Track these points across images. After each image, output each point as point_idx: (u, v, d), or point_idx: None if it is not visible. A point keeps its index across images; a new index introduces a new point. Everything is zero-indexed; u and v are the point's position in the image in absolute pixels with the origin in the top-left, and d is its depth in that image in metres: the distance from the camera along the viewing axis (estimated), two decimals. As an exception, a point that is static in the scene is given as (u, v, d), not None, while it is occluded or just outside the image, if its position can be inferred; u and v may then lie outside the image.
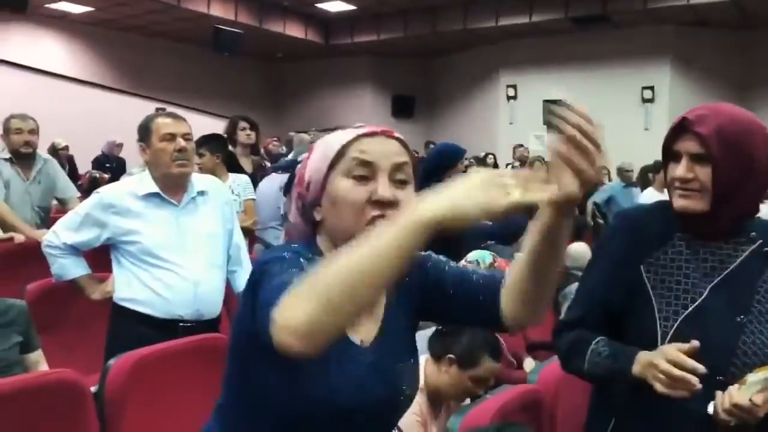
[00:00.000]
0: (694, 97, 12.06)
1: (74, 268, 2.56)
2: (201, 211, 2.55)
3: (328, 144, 1.13)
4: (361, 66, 15.09)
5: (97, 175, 7.94)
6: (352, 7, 12.97)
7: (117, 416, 2.01)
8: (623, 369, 1.40)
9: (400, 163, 1.11)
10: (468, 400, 2.27)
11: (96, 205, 2.46)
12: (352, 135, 1.12)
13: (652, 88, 12.00)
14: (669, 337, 1.41)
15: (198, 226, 2.52)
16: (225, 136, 4.76)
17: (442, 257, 1.26)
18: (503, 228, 5.56)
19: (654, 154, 10.32)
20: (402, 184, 1.11)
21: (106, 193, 2.49)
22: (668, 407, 1.38)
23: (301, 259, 1.06)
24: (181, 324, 2.44)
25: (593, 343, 1.47)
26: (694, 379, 1.28)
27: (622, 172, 7.94)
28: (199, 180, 2.60)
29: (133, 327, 2.41)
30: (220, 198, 2.66)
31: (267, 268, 1.03)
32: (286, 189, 1.12)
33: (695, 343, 1.32)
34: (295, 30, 13.66)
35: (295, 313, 0.86)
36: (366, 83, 15.23)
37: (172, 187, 2.49)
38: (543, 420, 2.03)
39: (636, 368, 1.38)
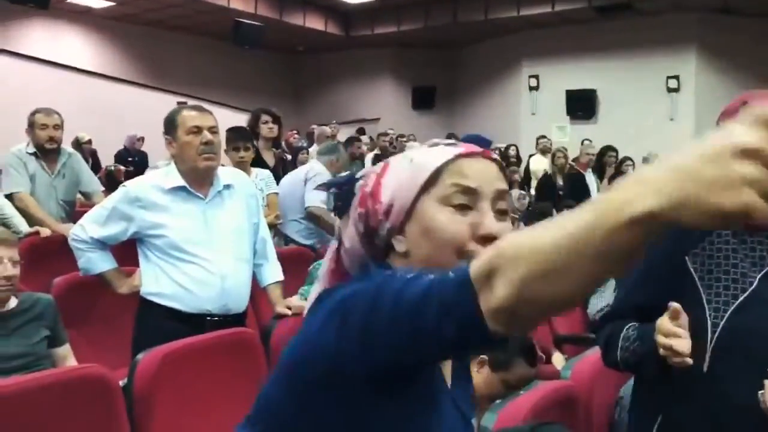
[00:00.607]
0: (721, 86, 11.86)
1: (101, 262, 2.55)
2: (227, 205, 2.54)
3: (418, 163, 0.97)
4: (381, 58, 15.03)
5: (113, 168, 7.95)
6: (372, -1, 12.93)
7: (146, 411, 2.00)
8: (650, 349, 1.38)
9: (503, 191, 0.98)
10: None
11: (122, 199, 2.45)
12: (448, 155, 0.96)
13: (677, 77, 11.81)
14: (720, 327, 1.39)
15: (224, 220, 2.50)
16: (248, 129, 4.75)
17: None
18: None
19: (680, 144, 10.10)
20: (503, 214, 0.97)
21: (132, 186, 2.48)
22: (719, 402, 1.35)
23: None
24: (208, 318, 2.42)
25: (624, 330, 1.46)
26: (680, 346, 1.29)
27: (648, 163, 7.84)
28: (225, 173, 2.58)
29: (160, 321, 2.40)
30: (246, 191, 2.64)
31: (364, 289, 0.85)
32: (340, 208, 0.94)
33: (674, 305, 1.33)
34: (315, 22, 13.63)
35: (495, 290, 0.70)
36: (386, 75, 15.17)
37: (198, 180, 2.47)
38: (578, 416, 1.99)
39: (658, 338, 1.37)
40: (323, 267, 1.09)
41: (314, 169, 4.63)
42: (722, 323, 1.39)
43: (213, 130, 2.48)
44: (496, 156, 1.00)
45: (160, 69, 13.29)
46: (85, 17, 12.72)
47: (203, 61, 13.93)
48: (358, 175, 1.05)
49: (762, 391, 1.31)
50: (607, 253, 0.65)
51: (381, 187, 0.98)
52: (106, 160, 9.28)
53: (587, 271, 0.67)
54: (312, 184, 4.46)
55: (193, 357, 2.14)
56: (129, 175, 7.59)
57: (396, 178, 0.97)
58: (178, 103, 12.99)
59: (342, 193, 1.06)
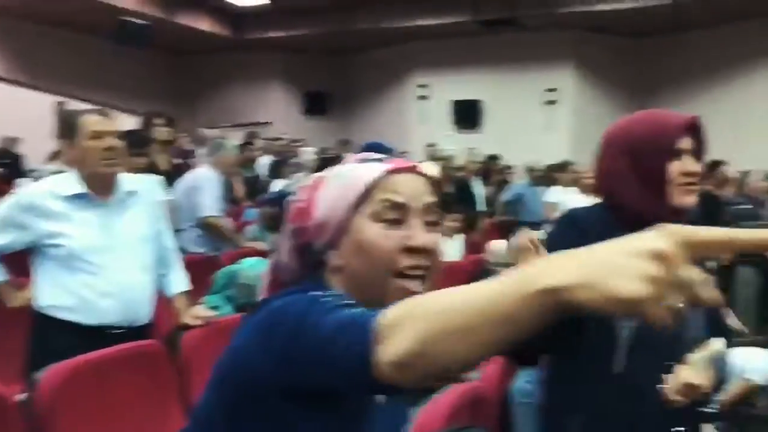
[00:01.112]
0: (595, 100, 12.66)
1: (-9, 274, 2.40)
2: (130, 212, 2.45)
3: (349, 180, 0.99)
4: (273, 62, 14.88)
5: None
6: (265, 2, 12.77)
7: (49, 429, 1.90)
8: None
9: (431, 204, 1.01)
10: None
11: (14, 207, 2.31)
12: (378, 171, 0.99)
13: (555, 90, 12.48)
14: (627, 332, 1.48)
15: (127, 228, 2.41)
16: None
17: None
18: None
19: (557, 153, 10.75)
20: (433, 225, 1.00)
21: (25, 194, 2.35)
22: (633, 399, 1.45)
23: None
24: (110, 330, 2.33)
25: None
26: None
27: (529, 172, 8.24)
28: (127, 179, 2.49)
29: (58, 335, 2.28)
30: (149, 198, 2.56)
31: (291, 308, 0.88)
32: (271, 224, 0.94)
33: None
34: (205, 23, 13.31)
35: (395, 342, 0.73)
36: (278, 79, 15.04)
37: (99, 187, 2.37)
38: (489, 414, 2.07)
39: None
40: (265, 279, 1.10)
41: (204, 176, 4.52)
42: (630, 324, 1.48)
43: (115, 135, 2.39)
44: (425, 171, 1.03)
45: (37, 67, 12.49)
46: (-51, 7, 11.79)
47: (85, 59, 13.23)
48: (288, 191, 1.09)
49: (662, 386, 1.44)
50: (512, 319, 0.67)
51: (314, 203, 1.01)
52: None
53: (491, 335, 0.69)
54: (203, 192, 4.38)
55: (99, 372, 2.06)
56: (3, 179, 7.11)
57: (328, 194, 1.00)
58: (58, 103, 12.29)
59: (274, 208, 1.10)
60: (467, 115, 13.17)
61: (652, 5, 10.85)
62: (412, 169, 1.01)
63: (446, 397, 1.85)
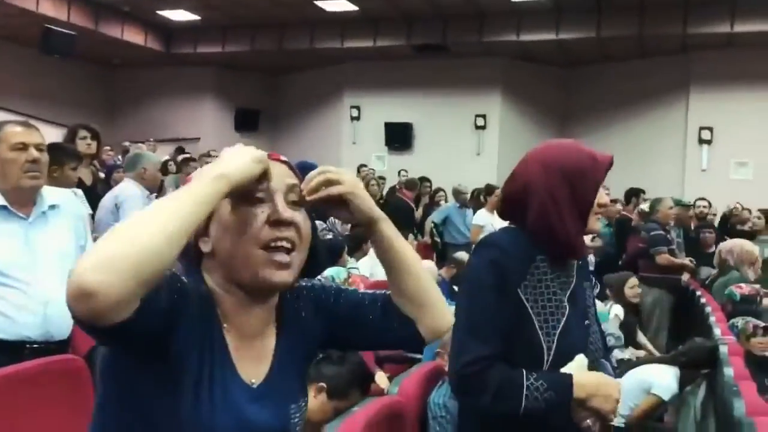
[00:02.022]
0: (522, 125, 13.08)
1: None
2: (52, 226, 2.42)
3: None
4: (204, 77, 14.73)
5: None
6: (196, 17, 12.67)
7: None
8: (566, 399, 1.51)
9: (293, 185, 1.11)
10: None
11: (-70, 218, 2.25)
12: None
13: (484, 116, 12.82)
14: (553, 351, 1.58)
15: (49, 242, 2.38)
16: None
17: (333, 284, 1.30)
18: (348, 241, 5.74)
19: (485, 177, 11.01)
20: (296, 205, 1.10)
21: (-58, 205, 2.29)
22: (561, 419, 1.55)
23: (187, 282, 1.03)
24: (27, 345, 2.29)
25: (525, 380, 1.51)
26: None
27: (457, 194, 8.44)
28: (50, 193, 2.46)
29: (-29, 350, 2.23)
30: (73, 212, 2.53)
31: None
32: None
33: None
34: (134, 36, 13.09)
35: (90, 254, 0.86)
36: (209, 95, 14.89)
37: (20, 200, 2.34)
38: (406, 429, 2.14)
39: (580, 394, 1.52)
40: None
41: (124, 192, 4.44)
42: (554, 346, 1.57)
43: (39, 147, 2.37)
44: (284, 158, 1.16)
45: (-47, 73, 12.01)
46: None
47: (7, 68, 12.75)
48: (168, 189, 1.18)
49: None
50: (195, 200, 0.98)
51: None
52: None
53: (174, 210, 0.95)
54: (125, 210, 4.28)
55: (15, 387, 2.02)
56: None
57: None
58: (-25, 111, 11.76)
59: None
60: (399, 137, 13.37)
61: (575, 38, 11.35)
62: (271, 157, 1.12)
63: (363, 412, 1.90)
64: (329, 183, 1.15)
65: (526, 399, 1.50)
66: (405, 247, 1.23)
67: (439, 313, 1.25)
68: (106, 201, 4.47)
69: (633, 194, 8.17)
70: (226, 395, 1.05)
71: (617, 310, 4.63)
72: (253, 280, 1.06)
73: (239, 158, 1.02)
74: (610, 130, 12.46)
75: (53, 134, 5.76)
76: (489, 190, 8.02)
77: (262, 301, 1.11)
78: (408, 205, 8.76)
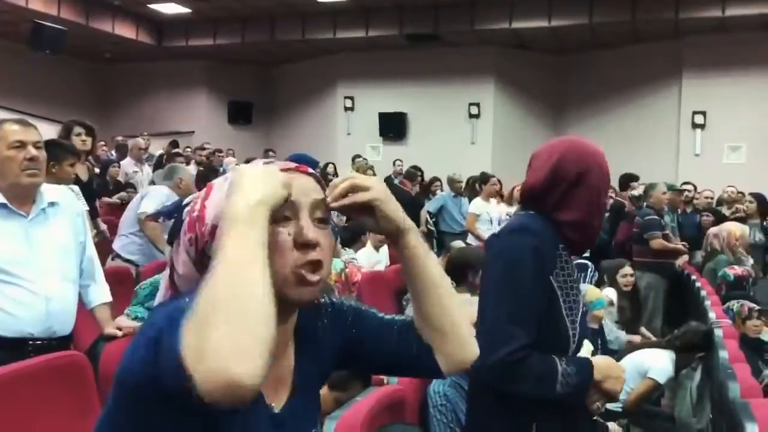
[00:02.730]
0: (515, 114, 13.10)
1: None
2: (52, 223, 2.43)
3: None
4: (196, 70, 14.69)
5: None
6: (186, 10, 12.62)
7: (-34, 444, 1.88)
8: (588, 383, 1.60)
9: (319, 201, 1.04)
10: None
11: (-70, 218, 2.27)
12: None
13: (478, 105, 12.83)
14: (576, 338, 1.65)
15: (49, 239, 2.40)
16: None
17: (351, 303, 1.24)
18: (346, 231, 5.76)
19: (479, 166, 11.01)
20: (322, 222, 1.04)
21: (-58, 204, 2.30)
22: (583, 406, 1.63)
23: None
24: (30, 342, 2.31)
25: (558, 366, 1.57)
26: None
27: (452, 183, 8.45)
28: (49, 190, 2.47)
29: (-27, 348, 2.24)
30: (72, 209, 2.55)
31: (159, 317, 0.92)
32: (171, 237, 0.96)
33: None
34: (125, 30, 13.03)
35: (213, 344, 0.79)
36: (201, 88, 14.85)
37: (20, 197, 2.35)
38: (407, 417, 2.17)
39: (597, 376, 1.61)
40: (160, 292, 1.12)
41: (158, 190, 4.91)
42: (577, 334, 1.64)
43: (37, 145, 2.38)
44: (312, 171, 1.08)
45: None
46: None
47: (0, 65, 12.71)
48: (185, 202, 1.09)
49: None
50: (254, 238, 0.90)
51: (206, 210, 1.02)
52: None
53: (251, 261, 0.88)
54: (149, 197, 4.74)
55: (19, 384, 2.04)
56: None
57: (219, 198, 1.01)
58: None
59: (173, 220, 1.10)
60: (393, 127, 13.37)
61: (568, 24, 11.35)
62: (299, 169, 1.06)
63: (366, 402, 1.93)
64: (355, 189, 1.08)
65: (560, 384, 1.56)
66: (433, 264, 1.15)
67: (462, 344, 1.15)
68: (135, 200, 4.96)
69: (627, 180, 8.20)
70: (248, 422, 1.00)
71: (610, 293, 4.67)
72: (281, 298, 0.98)
73: (269, 183, 0.95)
74: (604, 117, 12.49)
75: (47, 130, 5.72)
76: (484, 178, 8.04)
77: (285, 319, 1.05)
78: (410, 197, 8.74)
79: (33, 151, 2.33)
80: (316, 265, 1.01)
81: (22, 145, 2.32)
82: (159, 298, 1.12)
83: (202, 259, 1.01)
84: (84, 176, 4.76)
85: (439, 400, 2.26)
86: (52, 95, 13.56)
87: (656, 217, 6.18)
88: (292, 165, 1.05)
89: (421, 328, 1.16)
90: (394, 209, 1.10)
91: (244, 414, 0.96)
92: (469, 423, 1.80)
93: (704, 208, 7.83)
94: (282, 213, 1.00)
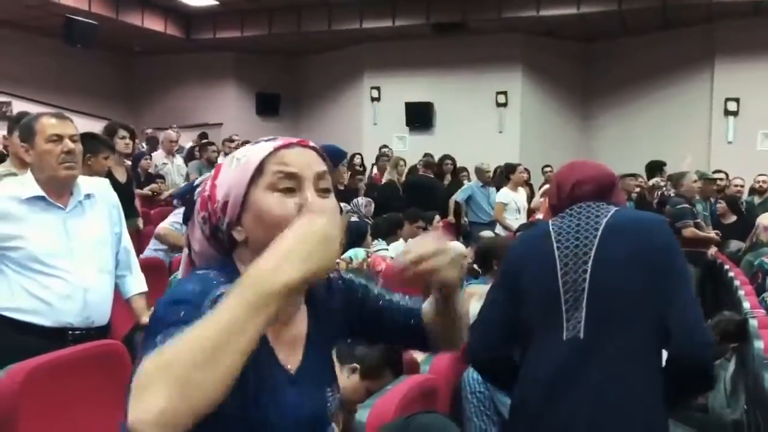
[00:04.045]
0: (543, 102, 12.98)
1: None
2: (88, 215, 2.49)
3: (244, 160, 1.09)
4: (224, 62, 14.79)
5: None
6: (214, 2, 12.70)
7: (10, 430, 1.93)
8: None
9: (322, 172, 1.11)
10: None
11: (-27, 210, 2.32)
12: (268, 148, 1.09)
13: (505, 93, 12.73)
14: None
15: (86, 231, 2.45)
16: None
17: (362, 279, 1.31)
18: (384, 224, 5.76)
19: (507, 155, 10.94)
20: (326, 192, 1.10)
21: (-17, 197, 2.36)
22: None
23: (206, 301, 0.96)
24: (70, 332, 2.36)
25: None
26: None
27: (480, 173, 8.41)
28: (85, 182, 2.52)
29: (16, 337, 2.30)
30: (108, 201, 2.60)
31: (161, 315, 0.96)
32: (186, 218, 1.01)
33: None
34: (154, 23, 13.16)
35: (147, 403, 0.79)
36: (229, 80, 14.95)
37: (58, 190, 2.40)
38: (438, 405, 2.18)
39: None
40: (181, 269, 1.22)
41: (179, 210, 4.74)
42: None
43: (74, 138, 2.43)
44: (313, 144, 1.14)
45: (-22, 65, 12.18)
46: None
47: (30, 58, 12.92)
48: (195, 183, 1.17)
49: None
50: (251, 329, 0.82)
51: (216, 188, 1.10)
52: None
53: (235, 355, 0.81)
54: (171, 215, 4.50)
55: (59, 372, 2.09)
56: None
57: (227, 176, 1.09)
58: (1, 103, 11.96)
59: (186, 201, 1.17)
60: (419, 117, 13.34)
61: (597, 11, 11.20)
62: (300, 143, 1.12)
63: (397, 390, 1.94)
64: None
65: None
66: (460, 303, 1.25)
67: (459, 342, 1.33)
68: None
69: (655, 168, 8.07)
70: (267, 381, 1.06)
71: None
72: None
73: (327, 254, 0.91)
74: (634, 105, 12.31)
75: (79, 124, 5.83)
76: (509, 168, 8.00)
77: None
78: (430, 182, 8.72)
79: (70, 144, 2.38)
80: None
81: (59, 138, 2.37)
82: (180, 273, 1.22)
83: (216, 235, 1.11)
84: (122, 178, 4.76)
85: (477, 387, 2.27)
86: (83, 89, 13.76)
87: (687, 205, 6.09)
88: (294, 140, 1.11)
89: (430, 329, 1.27)
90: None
91: (260, 373, 1.03)
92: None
93: (722, 195, 7.66)
94: (285, 185, 1.06)
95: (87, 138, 3.41)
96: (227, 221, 1.09)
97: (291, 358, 1.12)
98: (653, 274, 1.78)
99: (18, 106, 10.52)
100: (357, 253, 3.55)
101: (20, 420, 1.97)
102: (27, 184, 2.38)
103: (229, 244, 1.11)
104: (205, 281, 1.02)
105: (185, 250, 1.19)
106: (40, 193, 2.37)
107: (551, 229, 1.94)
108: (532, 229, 2.11)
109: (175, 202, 4.63)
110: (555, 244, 1.89)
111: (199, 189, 1.15)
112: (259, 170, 1.07)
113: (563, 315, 1.83)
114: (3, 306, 2.34)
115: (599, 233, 1.85)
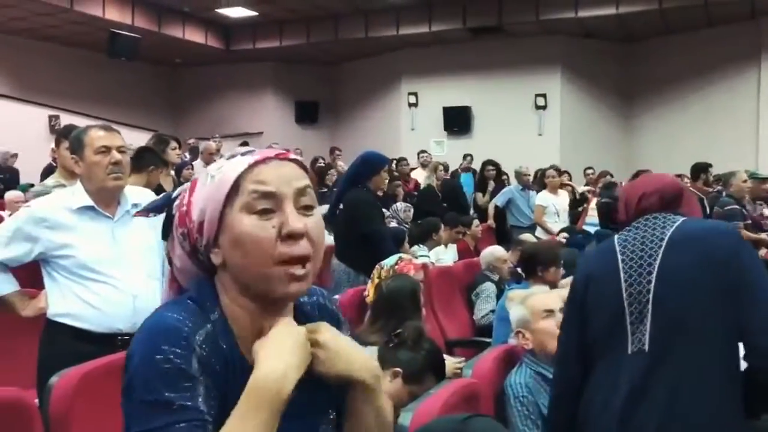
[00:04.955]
0: (583, 104, 12.83)
1: (3, 285, 2.48)
2: (135, 224, 2.54)
3: (216, 177, 1.01)
4: (263, 72, 15.00)
5: None
6: (253, 13, 12.89)
7: (64, 433, 1.99)
8: None
9: (303, 187, 1.01)
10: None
11: (27, 220, 2.41)
12: (243, 165, 1.00)
13: (544, 95, 12.63)
14: None
15: (134, 239, 2.51)
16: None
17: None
18: (417, 229, 5.75)
19: (547, 158, 10.84)
20: (308, 209, 1.01)
21: (37, 207, 2.44)
22: None
23: (192, 351, 0.94)
24: (119, 337, 2.42)
25: None
26: None
27: (520, 176, 8.34)
28: (132, 192, 2.59)
29: (69, 342, 2.37)
30: (153, 210, 2.65)
31: (137, 370, 0.93)
32: (165, 232, 0.97)
33: None
34: (195, 35, 13.42)
35: None
36: (269, 89, 15.15)
37: (106, 199, 2.47)
38: (481, 409, 2.17)
39: None
40: (164, 289, 1.14)
41: None
42: None
43: (121, 149, 2.50)
44: (293, 156, 1.04)
45: (29, 81, 12.56)
46: (-60, 24, 11.85)
47: (76, 72, 13.31)
48: (173, 195, 1.09)
49: None
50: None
51: (192, 205, 1.02)
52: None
53: None
54: None
55: (111, 377, 2.14)
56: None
57: (202, 194, 1.01)
58: (50, 116, 12.32)
59: (167, 215, 1.09)
60: (457, 121, 13.31)
61: (637, 11, 11.04)
62: (278, 157, 1.02)
63: (440, 394, 1.94)
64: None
65: None
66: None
67: None
68: None
69: (700, 169, 7.89)
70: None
71: None
72: (266, 293, 1.00)
73: (298, 353, 0.97)
74: (677, 104, 12.09)
75: (124, 135, 5.98)
76: (544, 173, 7.97)
77: (277, 312, 1.04)
78: (455, 188, 8.88)
79: (117, 156, 2.45)
80: (302, 260, 0.99)
81: (107, 150, 2.44)
82: (163, 295, 1.14)
83: (196, 253, 1.03)
84: (169, 188, 4.88)
85: (521, 391, 2.26)
86: (127, 101, 14.10)
87: (737, 206, 5.95)
88: (272, 153, 1.03)
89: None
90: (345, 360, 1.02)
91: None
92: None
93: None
94: (262, 205, 0.98)
95: (149, 151, 3.53)
96: (204, 242, 1.01)
97: None
98: (724, 283, 1.74)
99: (66, 120, 10.83)
100: (389, 260, 3.54)
101: (73, 422, 2.02)
102: (77, 195, 2.46)
103: (210, 266, 1.03)
104: (176, 332, 0.95)
105: (167, 267, 1.11)
106: (89, 203, 2.44)
107: (616, 243, 1.94)
108: (600, 245, 2.10)
109: (150, 215, 4.65)
110: (620, 257, 1.89)
111: (177, 202, 1.06)
112: (235, 188, 0.99)
113: (628, 328, 1.81)
114: (56, 312, 2.41)
115: (664, 244, 1.83)
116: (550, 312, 2.40)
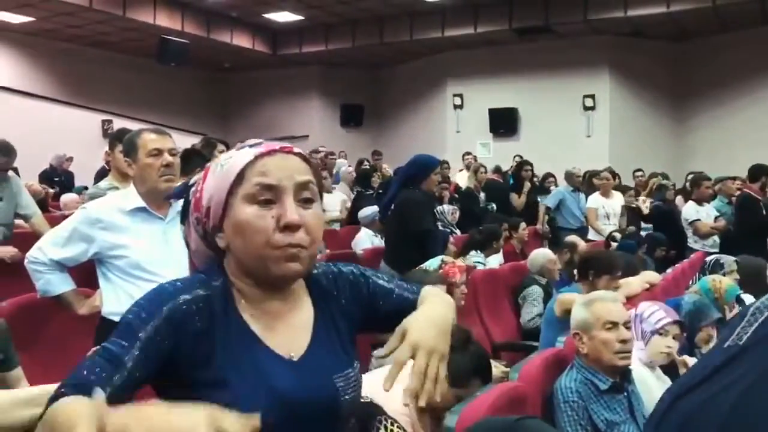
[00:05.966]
0: (632, 104, 12.59)
1: (61, 284, 2.56)
2: (186, 225, 2.60)
3: (224, 167, 1.08)
4: (309, 75, 15.14)
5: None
6: (300, 18, 13.04)
7: None
8: None
9: (305, 182, 1.08)
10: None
11: (83, 221, 2.48)
12: (249, 156, 1.07)
13: (593, 96, 12.43)
14: None
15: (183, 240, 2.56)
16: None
17: (367, 270, 1.28)
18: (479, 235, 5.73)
19: (596, 160, 10.67)
20: (307, 202, 1.08)
21: (92, 208, 2.52)
22: None
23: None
24: (170, 336, 2.48)
25: None
26: None
27: (571, 177, 8.21)
28: (182, 194, 2.64)
29: (122, 341, 2.43)
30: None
31: (125, 317, 1.08)
32: (183, 217, 1.06)
33: None
34: (242, 40, 13.64)
35: None
36: (314, 92, 15.29)
37: (158, 201, 2.53)
38: (527, 413, 2.15)
39: None
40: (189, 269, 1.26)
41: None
42: None
43: (173, 152, 2.55)
44: (298, 150, 1.12)
45: (83, 86, 12.96)
46: (1, 33, 12.29)
47: (128, 78, 13.67)
48: (191, 182, 1.17)
49: None
50: None
51: (202, 192, 1.11)
52: (29, 180, 8.98)
53: None
54: None
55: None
56: (55, 196, 7.40)
57: (211, 182, 1.09)
58: (103, 121, 12.67)
59: (185, 201, 1.18)
60: (504, 122, 13.21)
61: (689, 9, 10.78)
62: (283, 150, 1.09)
63: (486, 397, 1.93)
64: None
65: None
66: None
67: None
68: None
69: (760, 172, 7.64)
70: (256, 370, 1.06)
71: (748, 300, 4.38)
72: (266, 274, 1.08)
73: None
74: (730, 105, 11.76)
75: (174, 139, 6.12)
76: (593, 174, 7.85)
77: (279, 288, 1.13)
78: (500, 186, 8.93)
79: (169, 158, 2.51)
80: (299, 251, 1.06)
81: (159, 152, 2.50)
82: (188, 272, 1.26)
83: (207, 238, 1.12)
84: None
85: (570, 396, 2.23)
86: (177, 105, 14.41)
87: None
88: (277, 146, 1.09)
89: None
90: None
91: (251, 364, 1.07)
92: None
93: None
94: (264, 196, 1.05)
95: (193, 154, 3.60)
96: (210, 227, 1.10)
97: (295, 347, 1.12)
98: None
99: (118, 124, 11.13)
100: (432, 262, 3.52)
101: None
102: (130, 197, 2.53)
103: (219, 248, 1.12)
104: (157, 296, 1.10)
105: (188, 250, 1.21)
106: (142, 204, 2.51)
107: None
108: None
109: (173, 200, 4.78)
110: None
111: (193, 189, 1.15)
112: (240, 178, 1.06)
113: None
114: (110, 311, 2.48)
115: None
116: (614, 324, 2.35)
